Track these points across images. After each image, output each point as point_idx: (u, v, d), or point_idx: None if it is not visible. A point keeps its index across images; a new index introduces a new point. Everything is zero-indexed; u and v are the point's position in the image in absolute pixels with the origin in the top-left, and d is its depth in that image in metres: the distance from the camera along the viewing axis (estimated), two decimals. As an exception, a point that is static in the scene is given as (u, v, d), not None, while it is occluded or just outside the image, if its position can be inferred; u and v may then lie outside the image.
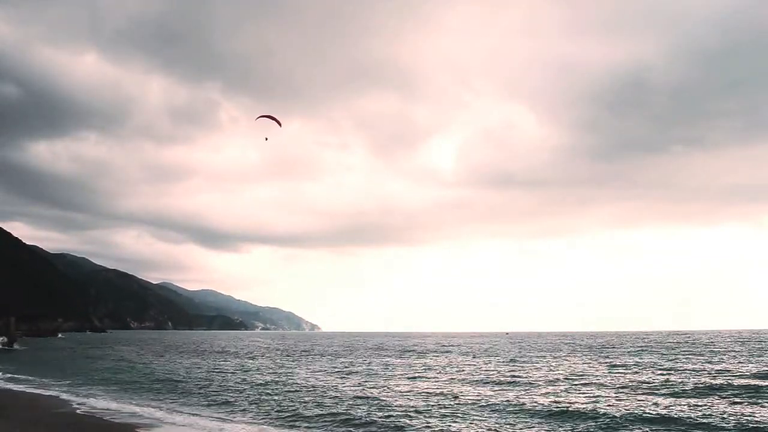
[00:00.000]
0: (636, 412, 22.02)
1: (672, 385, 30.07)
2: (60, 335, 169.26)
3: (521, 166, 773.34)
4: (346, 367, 47.29)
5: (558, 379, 34.58)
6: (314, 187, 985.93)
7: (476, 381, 34.93)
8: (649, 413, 21.75)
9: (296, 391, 31.15)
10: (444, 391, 29.91)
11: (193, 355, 71.33)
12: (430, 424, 20.91)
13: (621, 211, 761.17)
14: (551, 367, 43.83)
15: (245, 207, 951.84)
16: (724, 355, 54.57)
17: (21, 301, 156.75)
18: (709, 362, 45.20)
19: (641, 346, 77.55)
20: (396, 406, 24.83)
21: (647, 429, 19.47)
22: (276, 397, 28.64)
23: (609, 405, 23.93)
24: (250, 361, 58.41)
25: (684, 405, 23.58)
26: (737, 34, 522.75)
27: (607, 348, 76.02)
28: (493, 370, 41.96)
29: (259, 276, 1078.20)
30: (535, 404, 24.61)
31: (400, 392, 29.83)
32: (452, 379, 36.60)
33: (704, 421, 20.27)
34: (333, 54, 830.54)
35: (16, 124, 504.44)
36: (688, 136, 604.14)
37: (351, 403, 26.20)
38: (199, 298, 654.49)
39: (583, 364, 46.99)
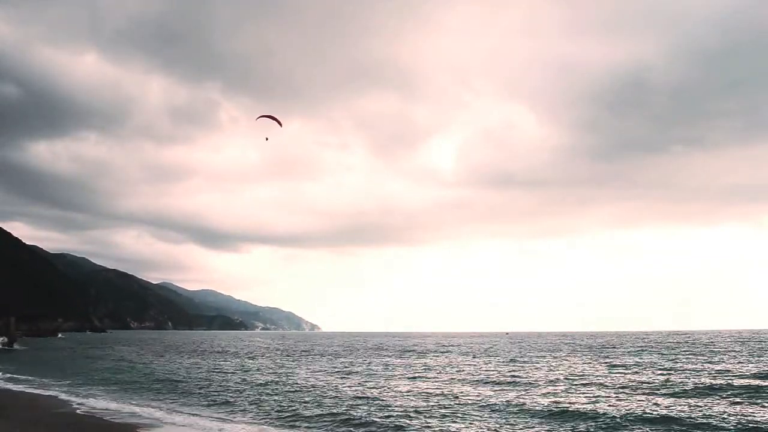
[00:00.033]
0: (636, 412, 22.01)
1: (672, 385, 30.05)
2: (60, 335, 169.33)
3: (521, 166, 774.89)
4: (346, 367, 47.28)
5: (558, 379, 34.57)
6: (314, 187, 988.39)
7: (476, 381, 34.92)
8: (649, 413, 21.74)
9: (296, 391, 31.14)
10: (444, 391, 29.90)
11: (193, 355, 71.34)
12: (430, 425, 20.90)
13: (621, 211, 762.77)
14: (551, 367, 43.82)
15: (245, 207, 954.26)
16: (724, 355, 54.54)
17: (21, 301, 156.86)
18: (709, 362, 45.17)
19: (641, 346, 77.50)
20: (396, 406, 24.83)
21: (647, 429, 19.46)
22: (276, 397, 28.64)
23: (609, 405, 23.92)
24: (250, 361, 58.40)
25: (684, 405, 23.57)
26: (737, 34, 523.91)
27: (607, 348, 75.98)
28: (493, 370, 41.95)
29: (259, 276, 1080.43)
30: (535, 404, 24.60)
31: (400, 392, 29.82)
32: (452, 379, 36.60)
33: (704, 421, 20.26)
34: (333, 54, 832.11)
35: (16, 124, 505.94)
36: (688, 136, 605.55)
37: (351, 403, 26.19)
38: (199, 298, 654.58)
39: (583, 364, 46.97)
